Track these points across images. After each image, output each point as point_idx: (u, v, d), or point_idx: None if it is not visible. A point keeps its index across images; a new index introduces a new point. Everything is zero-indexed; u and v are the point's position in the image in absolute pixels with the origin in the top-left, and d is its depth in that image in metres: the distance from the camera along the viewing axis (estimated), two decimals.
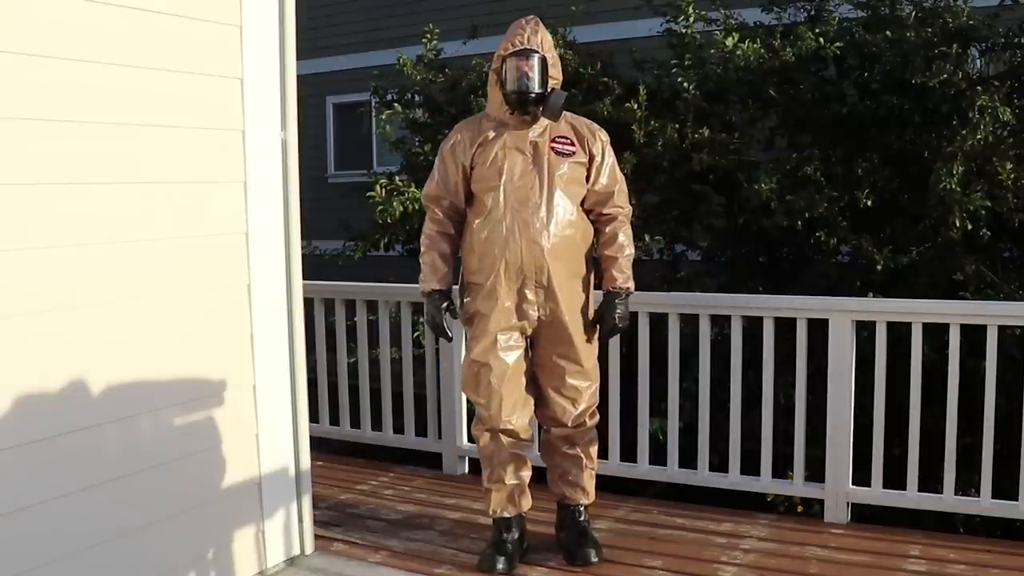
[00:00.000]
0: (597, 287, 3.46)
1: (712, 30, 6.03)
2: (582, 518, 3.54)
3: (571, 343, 3.36)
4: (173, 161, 3.00)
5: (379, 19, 11.42)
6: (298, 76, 3.35)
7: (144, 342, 2.93)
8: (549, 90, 3.27)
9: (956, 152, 4.84)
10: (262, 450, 3.33)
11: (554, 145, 3.32)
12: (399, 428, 4.82)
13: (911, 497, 3.75)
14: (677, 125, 5.62)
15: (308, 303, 3.89)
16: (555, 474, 3.56)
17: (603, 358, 3.69)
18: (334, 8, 11.70)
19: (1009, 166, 4.78)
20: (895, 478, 3.79)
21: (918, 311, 3.75)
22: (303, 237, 3.45)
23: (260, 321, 3.29)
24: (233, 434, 3.22)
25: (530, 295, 3.31)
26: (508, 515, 3.46)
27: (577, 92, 5.77)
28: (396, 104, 6.86)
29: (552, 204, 3.28)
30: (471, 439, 4.06)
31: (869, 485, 3.81)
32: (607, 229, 3.40)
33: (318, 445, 4.15)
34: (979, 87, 5.25)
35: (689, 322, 4.22)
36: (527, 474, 3.47)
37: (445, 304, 3.45)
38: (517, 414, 3.38)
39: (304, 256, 3.50)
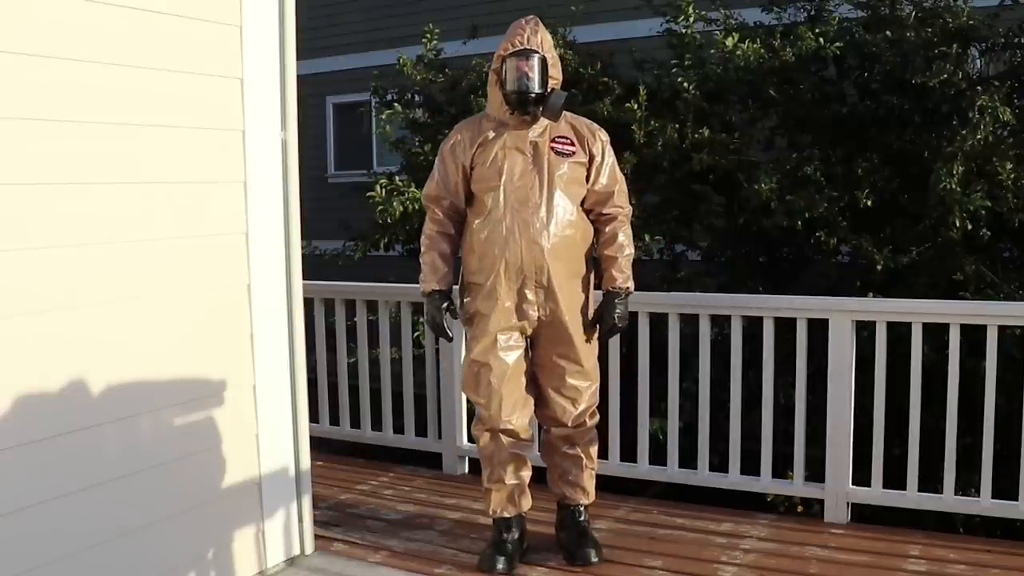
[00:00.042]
0: (597, 287, 3.46)
1: (712, 30, 6.03)
2: (582, 518, 3.54)
3: (571, 343, 3.36)
4: (173, 161, 3.00)
5: (379, 19, 11.42)
6: (298, 76, 3.35)
7: (144, 342, 2.93)
8: (549, 90, 3.26)
9: (956, 152, 4.84)
10: (262, 450, 3.33)
11: (554, 145, 3.32)
12: (399, 428, 4.82)
13: (911, 497, 3.75)
14: (677, 125, 5.62)
15: (308, 303, 3.89)
16: (555, 474, 3.57)
17: (603, 358, 3.69)
18: (334, 8, 11.70)
19: (1009, 166, 4.79)
20: (895, 478, 3.79)
21: (918, 311, 3.75)
22: (303, 237, 3.45)
23: (260, 321, 3.29)
24: (233, 434, 3.22)
25: (530, 295, 3.31)
26: (508, 515, 3.46)
27: (577, 92, 5.77)
28: (396, 104, 6.86)
29: (552, 204, 3.28)
30: (471, 439, 4.06)
31: (869, 485, 3.81)
32: (607, 229, 3.40)
33: (318, 445, 4.14)
34: (979, 87, 5.25)
35: (689, 322, 4.22)
36: (527, 474, 3.47)
37: (445, 304, 3.45)
38: (517, 414, 3.38)
39: (304, 256, 3.50)
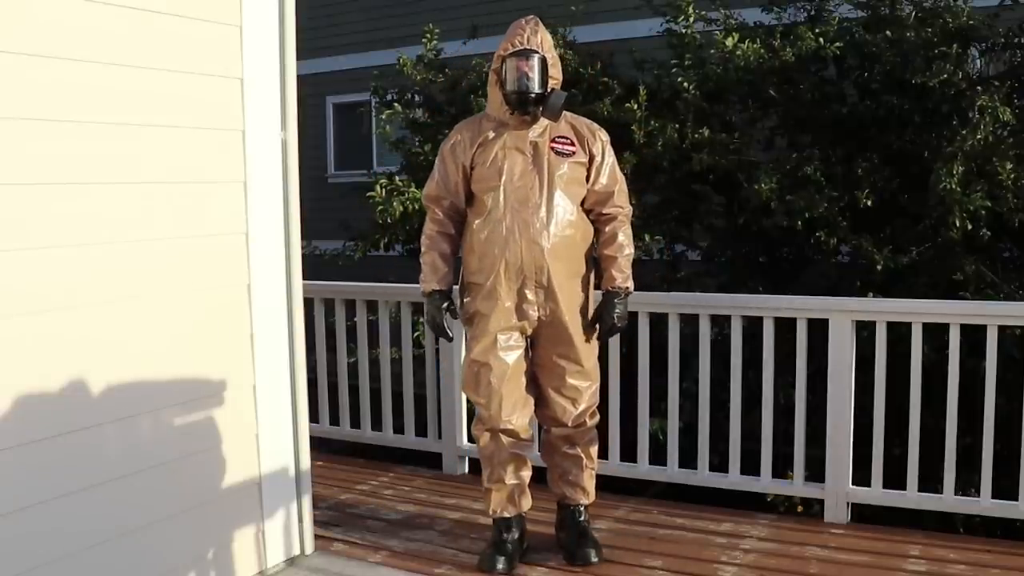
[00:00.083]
0: (597, 287, 3.46)
1: (712, 30, 6.03)
2: (582, 518, 3.54)
3: (571, 343, 3.36)
4: (173, 161, 3.00)
5: (379, 19, 11.42)
6: (298, 76, 3.35)
7: (144, 342, 2.93)
8: (549, 90, 3.26)
9: (956, 152, 4.84)
10: (262, 450, 3.33)
11: (554, 145, 3.32)
12: (399, 428, 4.82)
13: (911, 497, 3.75)
14: (677, 125, 5.62)
15: (308, 303, 3.89)
16: (555, 474, 3.57)
17: (603, 358, 3.69)
18: (334, 8, 11.70)
19: (1009, 166, 4.78)
20: (895, 478, 3.79)
21: (918, 311, 3.75)
22: (303, 237, 3.45)
23: (260, 321, 3.29)
24: (233, 434, 3.22)
25: (530, 295, 3.31)
26: (508, 515, 3.46)
27: (577, 92, 5.77)
28: (396, 104, 6.86)
29: (552, 204, 3.28)
30: (471, 439, 4.06)
31: (869, 485, 3.81)
32: (607, 229, 3.40)
33: (318, 445, 4.15)
34: (979, 87, 5.25)
35: (689, 322, 4.22)
36: (527, 474, 3.47)
37: (445, 304, 3.45)
38: (517, 414, 3.38)
39: (304, 256, 3.50)
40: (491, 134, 3.34)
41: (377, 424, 4.85)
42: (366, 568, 3.47)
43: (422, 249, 3.47)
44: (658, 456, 4.21)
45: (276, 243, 3.34)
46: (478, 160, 3.33)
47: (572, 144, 3.34)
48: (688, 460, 4.14)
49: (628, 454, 4.23)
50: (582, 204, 3.38)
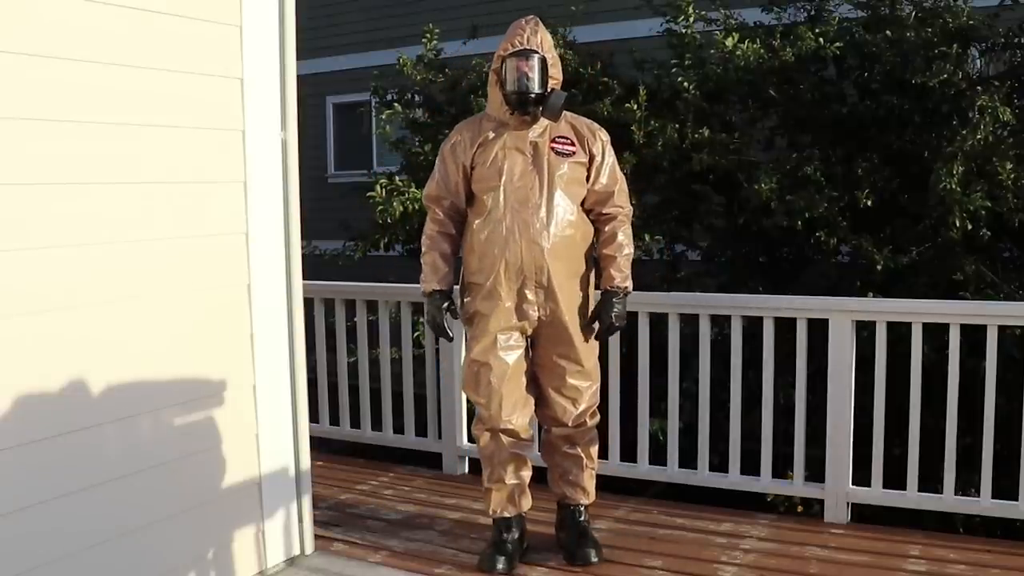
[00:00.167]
0: (597, 287, 3.46)
1: (712, 30, 6.03)
2: (582, 518, 3.54)
3: (571, 343, 3.36)
4: (173, 161, 3.00)
5: (379, 19, 11.42)
6: (298, 76, 3.35)
7: (144, 342, 2.93)
8: (549, 90, 3.26)
9: (956, 152, 4.84)
10: (262, 450, 3.33)
11: (554, 145, 3.32)
12: (399, 428, 4.82)
13: (911, 497, 3.75)
14: (677, 125, 5.62)
15: (308, 303, 3.89)
16: (555, 474, 3.57)
17: (603, 358, 3.69)
18: (334, 8, 11.70)
19: (1009, 166, 4.78)
20: (895, 478, 3.79)
21: (918, 311, 3.75)
22: (303, 237, 3.45)
23: (260, 321, 3.29)
24: (233, 434, 3.22)
25: (530, 295, 3.31)
26: (508, 515, 3.46)
27: (577, 92, 5.77)
28: (396, 104, 6.86)
29: (552, 204, 3.28)
30: (471, 439, 4.06)
31: (869, 485, 3.81)
32: (606, 228, 3.40)
33: (318, 445, 4.14)
34: (979, 87, 5.25)
35: (689, 322, 4.22)
36: (527, 474, 3.47)
37: (446, 304, 3.45)
38: (517, 414, 3.38)
39: (304, 256, 3.50)
40: (491, 134, 3.34)
41: (377, 424, 4.85)
42: (366, 568, 3.47)
43: (423, 249, 3.47)
44: (658, 456, 4.21)
45: (276, 243, 3.34)
46: (478, 160, 3.33)
47: (572, 144, 3.34)
48: (688, 460, 4.14)
49: (628, 454, 4.23)
50: (582, 204, 3.38)
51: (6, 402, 2.54)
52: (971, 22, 5.35)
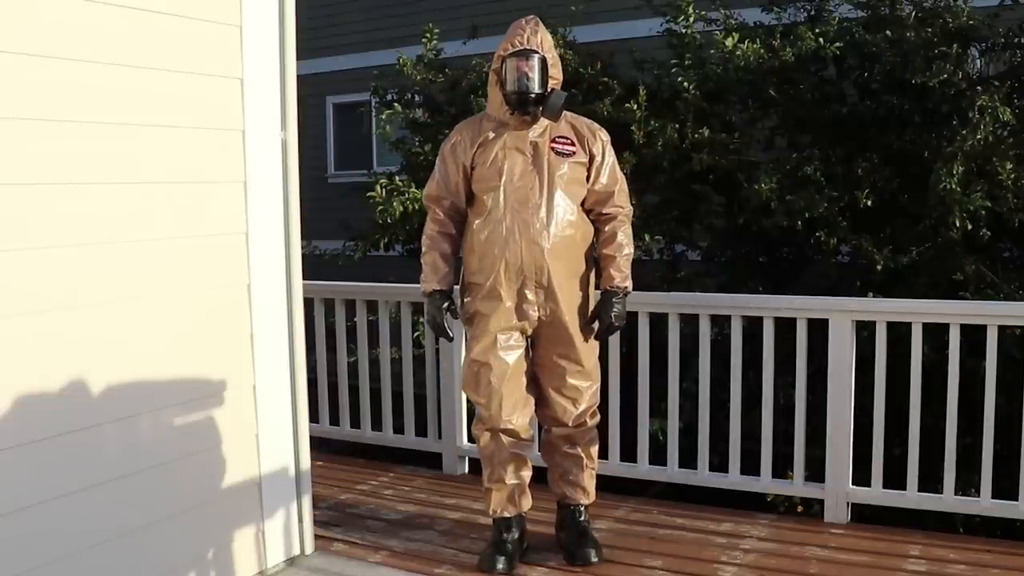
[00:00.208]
0: (597, 287, 3.46)
1: (712, 30, 6.03)
2: (582, 518, 3.54)
3: (571, 343, 3.36)
4: (173, 161, 3.00)
5: (379, 19, 11.42)
6: (298, 76, 3.35)
7: (144, 342, 2.93)
8: (549, 90, 3.26)
9: (956, 152, 4.84)
10: (262, 450, 3.33)
11: (554, 145, 3.32)
12: (399, 428, 4.82)
13: (911, 497, 3.75)
14: (677, 125, 5.62)
15: (308, 303, 3.89)
16: (555, 474, 3.57)
17: (603, 358, 3.69)
18: (334, 8, 11.70)
19: (1009, 166, 4.78)
20: (895, 478, 3.79)
21: (918, 311, 3.75)
22: (303, 237, 3.45)
23: (260, 321, 3.29)
24: (233, 434, 3.22)
25: (530, 295, 3.31)
26: (508, 515, 3.46)
27: (577, 92, 5.77)
28: (396, 104, 6.86)
29: (552, 204, 3.28)
30: (471, 439, 4.06)
31: (869, 485, 3.81)
32: (606, 228, 3.40)
33: (318, 445, 4.15)
34: (979, 87, 5.25)
35: (689, 322, 4.22)
36: (527, 474, 3.47)
37: (446, 304, 3.45)
38: (517, 414, 3.38)
39: (304, 256, 3.50)
40: (491, 134, 3.34)
41: (377, 424, 4.85)
42: (366, 568, 3.47)
43: (423, 249, 3.47)
44: (658, 456, 4.21)
45: (276, 243, 3.34)
46: (478, 160, 3.33)
47: (572, 144, 3.34)
48: (688, 460, 4.14)
49: (628, 454, 4.23)
50: (582, 204, 3.38)
51: (6, 402, 2.54)
52: (971, 22, 5.35)
